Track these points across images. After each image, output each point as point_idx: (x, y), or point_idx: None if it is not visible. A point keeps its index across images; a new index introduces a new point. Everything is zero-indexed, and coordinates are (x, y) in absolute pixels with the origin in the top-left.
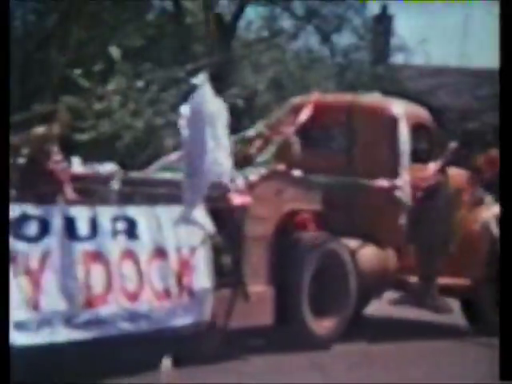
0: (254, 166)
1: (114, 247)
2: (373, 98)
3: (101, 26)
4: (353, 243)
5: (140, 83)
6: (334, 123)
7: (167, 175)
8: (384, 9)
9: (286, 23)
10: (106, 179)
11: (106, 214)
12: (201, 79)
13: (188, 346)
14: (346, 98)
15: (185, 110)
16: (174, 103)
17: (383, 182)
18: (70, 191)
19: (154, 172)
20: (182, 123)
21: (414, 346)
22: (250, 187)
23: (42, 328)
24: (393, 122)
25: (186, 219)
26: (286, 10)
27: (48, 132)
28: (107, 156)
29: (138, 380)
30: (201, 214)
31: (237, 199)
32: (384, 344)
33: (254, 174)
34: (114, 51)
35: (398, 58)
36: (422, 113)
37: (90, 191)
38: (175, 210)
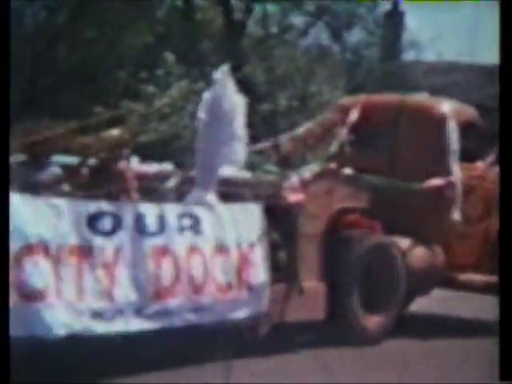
0: (306, 164)
1: (181, 242)
2: (421, 98)
3: (110, 23)
4: (401, 241)
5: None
6: (383, 123)
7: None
8: (395, 5)
9: (297, 20)
10: (163, 178)
11: (172, 211)
12: (222, 72)
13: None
14: (394, 98)
15: (207, 96)
16: None
17: (438, 181)
18: (135, 191)
19: None
20: (203, 107)
21: (417, 344)
22: (304, 185)
23: (115, 318)
24: (441, 120)
25: (198, 200)
26: (297, 6)
27: (120, 136)
28: (166, 155)
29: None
30: (212, 197)
31: (292, 197)
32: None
33: (307, 173)
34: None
35: (409, 55)
36: (470, 111)
37: (150, 189)
38: (235, 208)
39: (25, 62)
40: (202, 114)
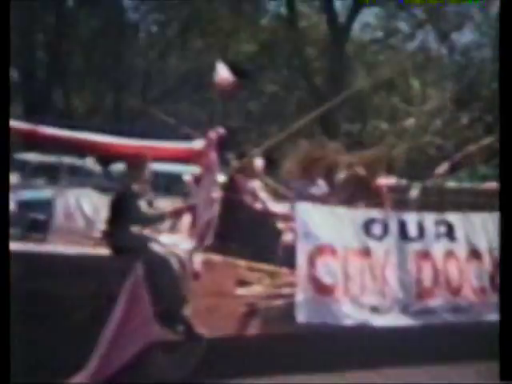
0: None
1: (438, 248)
2: None
3: (217, 33)
4: None
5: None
6: None
7: (452, 184)
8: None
9: (403, 23)
10: (404, 189)
11: (430, 219)
12: None
13: None
14: None
15: None
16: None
17: None
18: (389, 204)
19: (445, 181)
20: None
21: None
22: None
23: (387, 313)
24: None
25: None
26: (403, 9)
27: (378, 154)
28: (409, 170)
29: None
30: None
31: None
32: None
33: None
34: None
35: None
36: None
37: (395, 200)
38: (485, 216)
39: (137, 73)
40: None
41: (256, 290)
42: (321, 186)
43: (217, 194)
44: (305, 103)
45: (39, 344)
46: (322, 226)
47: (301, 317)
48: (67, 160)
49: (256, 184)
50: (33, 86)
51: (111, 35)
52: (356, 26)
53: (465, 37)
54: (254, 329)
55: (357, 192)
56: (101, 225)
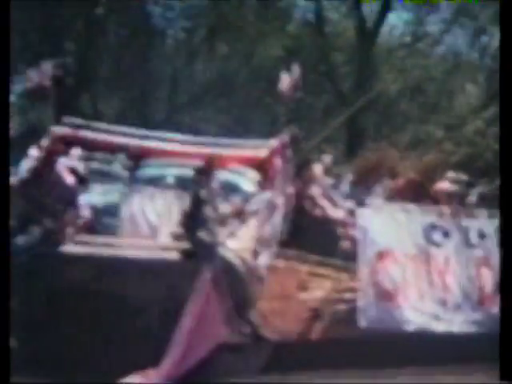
0: None
1: (499, 254)
2: None
3: (244, 39)
4: None
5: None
6: None
7: None
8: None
9: (431, 27)
10: (462, 195)
11: (490, 226)
12: None
13: None
14: None
15: None
16: None
17: None
18: (446, 208)
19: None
20: None
21: None
22: None
23: (448, 319)
24: None
25: None
26: (432, 12)
27: (436, 160)
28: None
29: None
30: None
31: None
32: None
33: None
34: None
35: None
36: None
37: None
38: None
39: (164, 79)
40: None
41: (317, 294)
42: (378, 193)
43: (281, 200)
44: (332, 108)
45: (110, 341)
46: (383, 231)
47: (362, 322)
48: (95, 165)
49: (315, 190)
50: (62, 93)
51: (139, 42)
52: (383, 31)
53: (496, 39)
54: (316, 332)
55: (415, 198)
56: (164, 230)
